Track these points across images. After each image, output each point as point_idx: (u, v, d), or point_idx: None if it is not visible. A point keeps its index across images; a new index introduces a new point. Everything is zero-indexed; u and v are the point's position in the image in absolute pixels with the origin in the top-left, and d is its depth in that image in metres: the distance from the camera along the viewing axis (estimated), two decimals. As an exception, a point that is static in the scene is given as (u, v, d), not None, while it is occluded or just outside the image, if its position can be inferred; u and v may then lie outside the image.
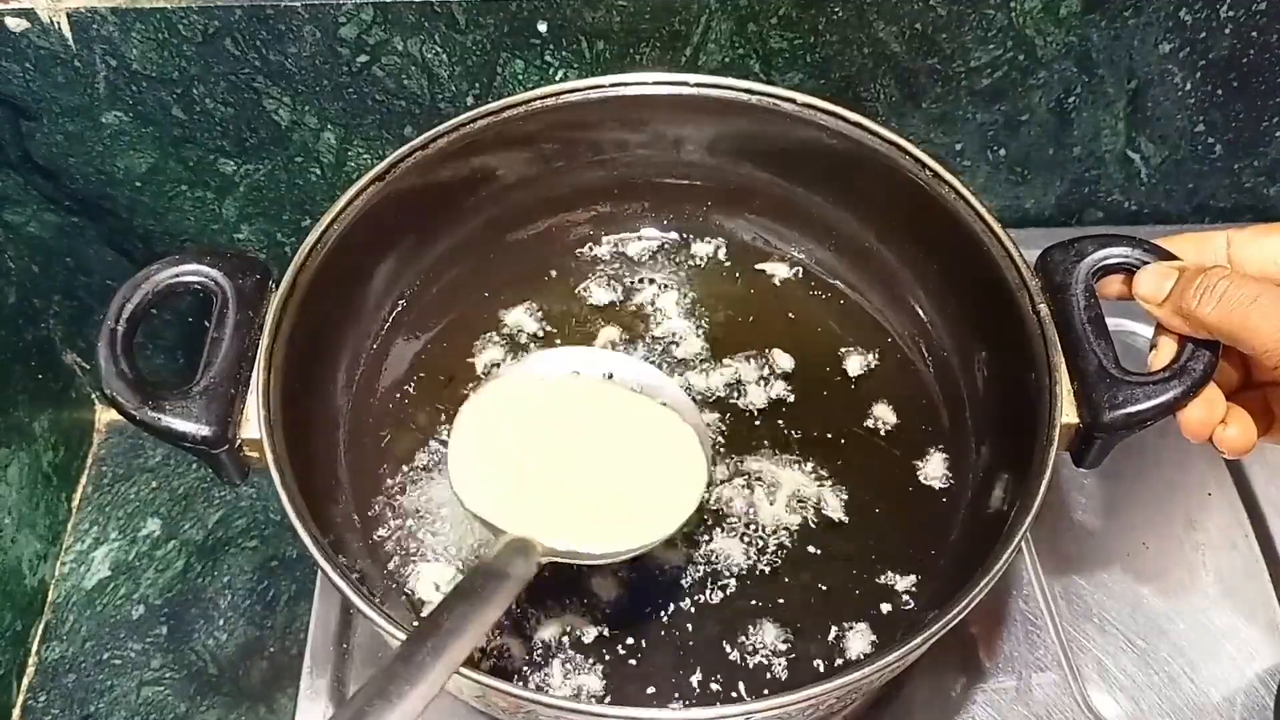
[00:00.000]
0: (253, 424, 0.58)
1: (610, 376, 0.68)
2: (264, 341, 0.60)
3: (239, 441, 0.58)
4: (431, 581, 0.68)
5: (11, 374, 0.89)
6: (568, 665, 0.65)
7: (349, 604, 0.54)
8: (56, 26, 0.75)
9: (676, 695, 0.64)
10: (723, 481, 0.71)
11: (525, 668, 0.65)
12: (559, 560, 0.59)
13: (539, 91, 0.71)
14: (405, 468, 0.72)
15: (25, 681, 0.87)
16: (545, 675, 0.65)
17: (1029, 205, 0.96)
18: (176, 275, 0.61)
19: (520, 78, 0.81)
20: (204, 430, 0.57)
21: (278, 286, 0.62)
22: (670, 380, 0.69)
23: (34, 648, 0.88)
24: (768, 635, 0.66)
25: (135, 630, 0.89)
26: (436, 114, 0.83)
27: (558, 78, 0.82)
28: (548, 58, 0.80)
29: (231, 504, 0.95)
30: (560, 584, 0.67)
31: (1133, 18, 0.82)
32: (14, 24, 0.74)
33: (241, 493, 0.96)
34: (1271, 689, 0.73)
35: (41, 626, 0.89)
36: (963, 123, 0.88)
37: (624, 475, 0.63)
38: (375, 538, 0.69)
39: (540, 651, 0.65)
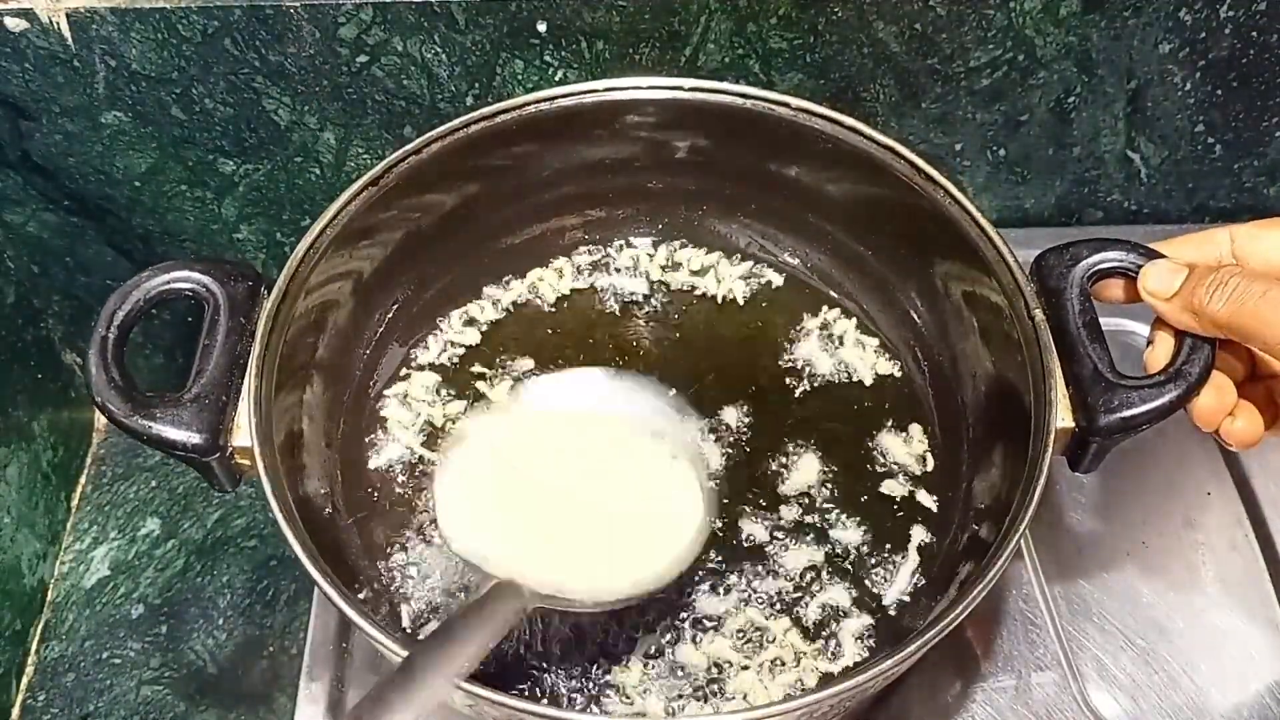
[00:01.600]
0: (244, 432, 0.58)
1: (608, 397, 0.67)
2: (255, 349, 0.60)
3: (230, 449, 0.58)
4: (426, 589, 0.68)
5: (11, 374, 0.89)
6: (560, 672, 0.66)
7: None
8: (56, 26, 0.75)
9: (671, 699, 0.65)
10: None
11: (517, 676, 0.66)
12: (546, 606, 0.58)
13: (532, 96, 0.71)
14: (399, 474, 0.73)
15: (24, 681, 0.87)
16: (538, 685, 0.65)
17: (1029, 205, 0.96)
18: (168, 282, 0.61)
19: (520, 78, 0.81)
20: (194, 438, 0.57)
21: (269, 293, 0.62)
22: (672, 408, 0.68)
23: (33, 647, 0.88)
24: (768, 628, 0.67)
25: (134, 629, 0.89)
26: (436, 114, 0.83)
27: (557, 78, 0.82)
28: (547, 58, 0.80)
29: (231, 503, 0.94)
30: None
31: (1133, 18, 0.82)
32: (13, 24, 0.74)
33: (241, 492, 0.95)
34: (1271, 688, 0.73)
35: (41, 626, 0.89)
36: (963, 123, 0.88)
37: (620, 518, 0.62)
38: (369, 544, 0.70)
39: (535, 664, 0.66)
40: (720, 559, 0.69)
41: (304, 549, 0.55)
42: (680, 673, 0.65)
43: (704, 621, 0.67)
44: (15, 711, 0.85)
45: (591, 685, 0.65)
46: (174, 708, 0.85)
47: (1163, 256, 0.60)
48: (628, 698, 0.64)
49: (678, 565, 0.60)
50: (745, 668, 0.65)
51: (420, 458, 0.73)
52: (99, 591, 0.91)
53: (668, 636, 0.66)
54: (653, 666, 0.65)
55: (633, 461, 0.64)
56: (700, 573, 0.69)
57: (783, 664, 0.65)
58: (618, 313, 0.80)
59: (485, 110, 0.70)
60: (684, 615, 0.67)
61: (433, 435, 0.74)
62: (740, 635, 0.67)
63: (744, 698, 0.64)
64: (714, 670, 0.65)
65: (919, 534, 0.70)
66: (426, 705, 0.49)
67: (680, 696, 0.65)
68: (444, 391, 0.76)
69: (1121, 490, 0.81)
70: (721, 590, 0.68)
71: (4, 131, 0.81)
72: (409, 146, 0.69)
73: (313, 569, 0.55)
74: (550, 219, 0.81)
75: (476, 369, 0.77)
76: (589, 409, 0.67)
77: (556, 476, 0.63)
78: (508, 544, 0.59)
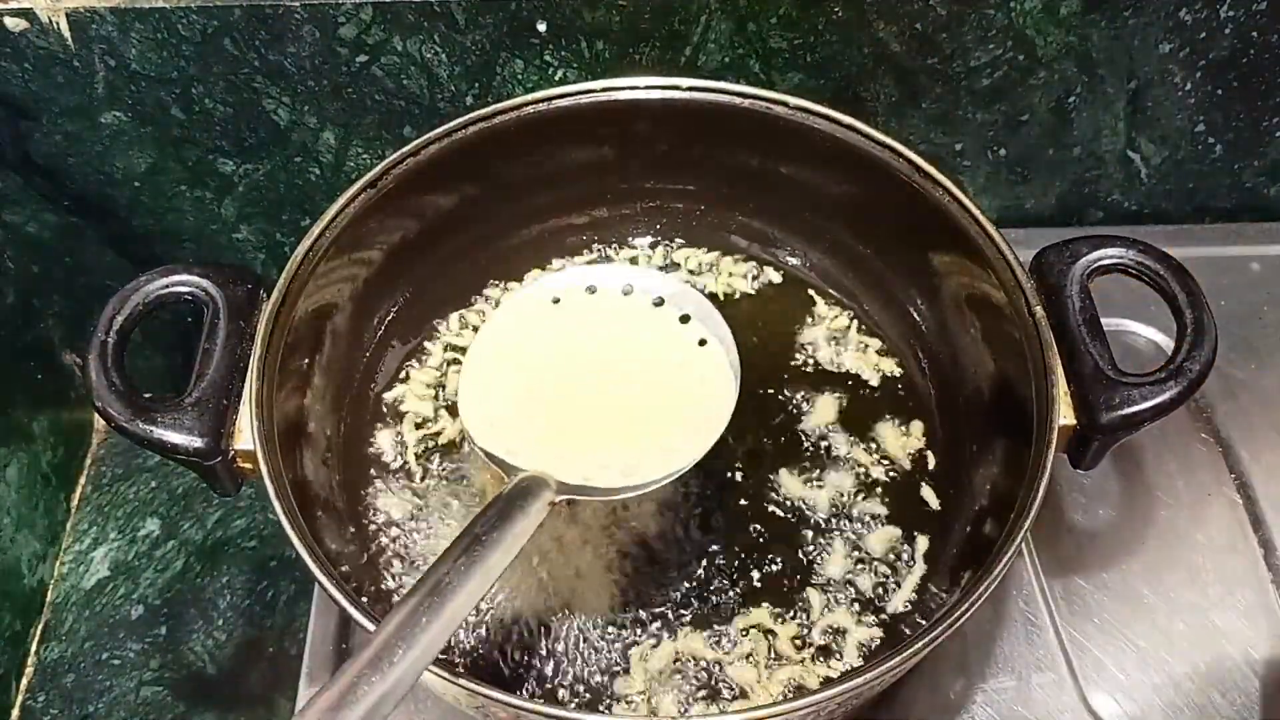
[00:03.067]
0: (245, 435, 0.58)
1: (629, 291, 0.66)
2: (256, 352, 0.60)
3: (232, 453, 0.58)
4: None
5: (11, 374, 0.89)
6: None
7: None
8: (56, 26, 0.75)
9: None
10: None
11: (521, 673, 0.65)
12: (575, 497, 0.57)
13: (530, 97, 0.71)
14: (400, 476, 0.72)
15: (24, 681, 0.86)
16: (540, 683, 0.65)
17: (1029, 205, 0.96)
18: (167, 286, 0.61)
19: (520, 77, 0.81)
20: (196, 442, 0.57)
21: (269, 296, 0.62)
22: (693, 290, 0.66)
23: (33, 648, 0.88)
24: (770, 629, 0.67)
25: (134, 630, 0.88)
26: (436, 114, 0.83)
27: (557, 78, 0.82)
28: (547, 57, 0.80)
29: (230, 504, 0.94)
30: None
31: (1133, 18, 0.81)
32: (13, 24, 0.74)
33: (241, 493, 0.96)
34: (1272, 689, 0.73)
35: (40, 626, 0.89)
36: (963, 123, 0.88)
37: (644, 401, 0.60)
38: (371, 544, 0.70)
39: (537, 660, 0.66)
40: (717, 559, 0.69)
41: (309, 551, 0.55)
42: (682, 675, 0.65)
43: (705, 623, 0.67)
44: (15, 712, 0.85)
45: (599, 694, 0.65)
46: (174, 708, 0.85)
47: (1162, 254, 0.60)
48: (632, 703, 0.64)
49: (706, 446, 0.59)
50: (747, 668, 0.65)
51: (422, 456, 0.73)
52: (99, 592, 0.91)
53: (669, 638, 0.66)
54: (657, 671, 0.65)
55: (660, 345, 0.62)
56: (699, 573, 0.69)
57: (784, 664, 0.65)
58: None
59: (483, 111, 0.70)
60: (686, 617, 0.67)
61: (434, 436, 0.74)
62: (743, 636, 0.67)
63: (746, 698, 0.64)
64: (715, 670, 0.65)
65: (923, 534, 0.70)
66: (458, 615, 0.48)
67: (684, 698, 0.65)
68: (444, 393, 0.76)
69: (1122, 490, 0.81)
70: (721, 590, 0.68)
71: (4, 131, 0.81)
72: (407, 149, 0.69)
73: (318, 571, 0.55)
74: (549, 220, 0.81)
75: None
76: (613, 294, 0.65)
77: (581, 363, 0.61)
78: (533, 435, 0.58)
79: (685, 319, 0.65)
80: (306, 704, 0.43)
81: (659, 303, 0.65)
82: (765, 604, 0.67)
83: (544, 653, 0.66)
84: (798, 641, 0.66)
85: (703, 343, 0.62)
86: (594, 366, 0.61)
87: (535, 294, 0.66)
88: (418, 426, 0.75)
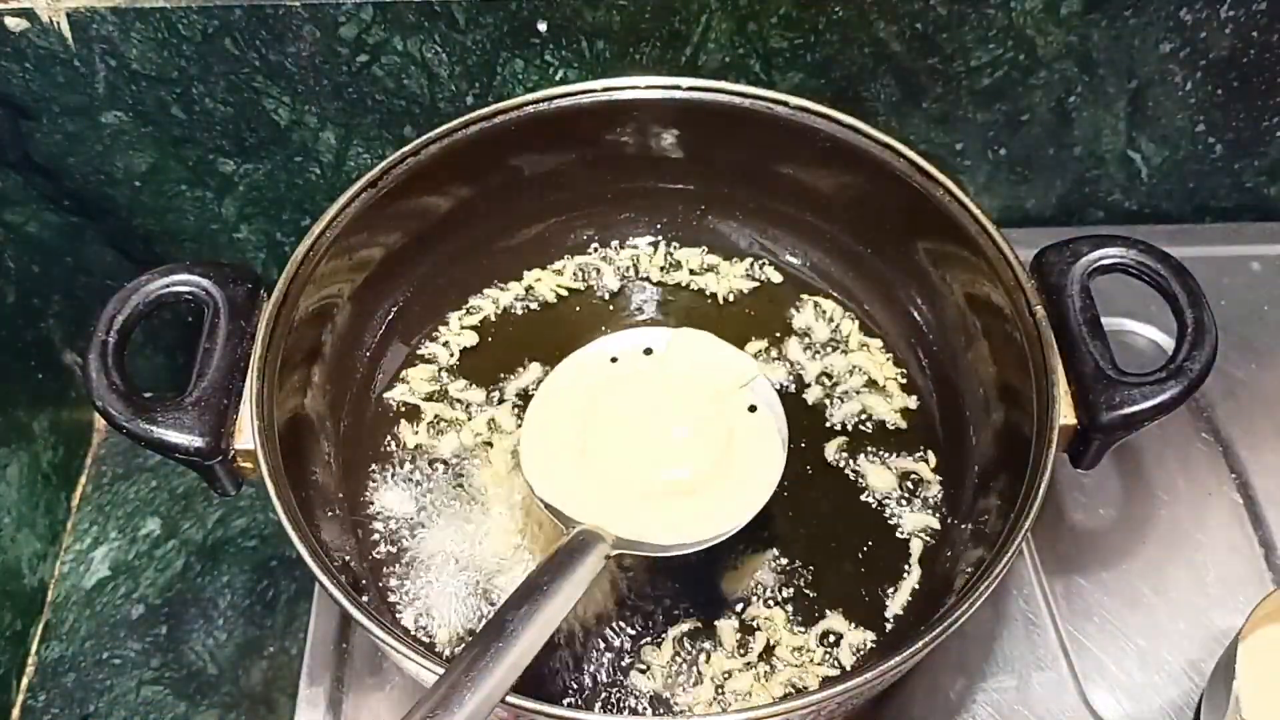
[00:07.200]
0: (246, 435, 0.58)
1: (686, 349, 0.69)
2: (256, 351, 0.60)
3: (232, 452, 0.58)
4: (427, 592, 0.68)
5: (11, 374, 0.89)
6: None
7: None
8: (56, 26, 0.75)
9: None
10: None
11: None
12: (628, 552, 0.59)
13: (530, 96, 0.71)
14: (400, 475, 0.72)
15: (25, 681, 0.86)
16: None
17: (1030, 205, 0.96)
18: (167, 286, 0.61)
19: (520, 77, 0.81)
20: (196, 442, 0.57)
21: (269, 295, 0.62)
22: (744, 356, 0.70)
23: (33, 647, 0.88)
24: (771, 625, 0.67)
25: (135, 630, 0.88)
26: (436, 114, 0.83)
27: (557, 78, 0.82)
28: (547, 57, 0.80)
29: (231, 504, 0.94)
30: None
31: (1133, 17, 0.81)
32: (14, 24, 0.74)
33: (241, 492, 0.96)
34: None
35: (41, 626, 0.89)
36: (963, 122, 0.88)
37: (695, 463, 0.63)
38: (371, 544, 0.69)
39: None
40: (717, 559, 0.69)
41: (309, 551, 0.55)
42: (683, 675, 0.65)
43: (706, 622, 0.67)
44: (15, 712, 0.85)
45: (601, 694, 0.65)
46: (174, 708, 0.85)
47: (1163, 253, 0.60)
48: (635, 704, 0.64)
49: (754, 510, 0.61)
50: (745, 669, 0.65)
51: (422, 458, 0.73)
52: (99, 592, 0.91)
53: (670, 638, 0.66)
54: (659, 670, 0.65)
55: (713, 409, 0.65)
56: (700, 573, 0.69)
57: (784, 665, 0.65)
58: (618, 313, 0.80)
59: (483, 111, 0.71)
60: (687, 617, 0.67)
61: (434, 435, 0.74)
62: (741, 636, 0.67)
63: (745, 698, 0.64)
64: (716, 670, 0.65)
65: (922, 534, 0.70)
66: (522, 661, 0.50)
67: (685, 697, 0.65)
68: (445, 392, 0.76)
69: (1122, 490, 0.81)
70: (721, 589, 0.68)
71: (4, 131, 0.81)
72: (407, 148, 0.69)
73: (318, 571, 0.55)
74: (549, 219, 0.81)
75: (477, 370, 0.77)
76: (667, 360, 0.69)
77: (638, 425, 0.64)
78: (589, 490, 0.61)
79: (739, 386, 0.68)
80: None
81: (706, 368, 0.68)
82: (765, 604, 0.67)
83: (546, 652, 0.66)
84: (797, 642, 0.66)
85: (753, 409, 0.66)
86: (647, 429, 0.64)
87: (594, 353, 0.69)
88: (418, 426, 0.75)
